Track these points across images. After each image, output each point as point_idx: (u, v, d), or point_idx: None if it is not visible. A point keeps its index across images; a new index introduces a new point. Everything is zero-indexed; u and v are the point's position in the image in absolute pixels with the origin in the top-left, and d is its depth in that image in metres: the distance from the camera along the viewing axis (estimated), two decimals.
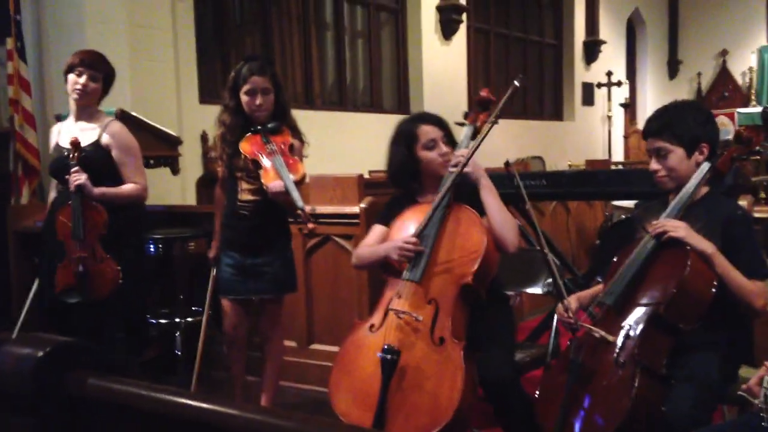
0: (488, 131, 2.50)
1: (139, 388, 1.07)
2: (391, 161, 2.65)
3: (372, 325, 2.38)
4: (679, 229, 2.13)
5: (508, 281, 2.73)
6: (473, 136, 2.55)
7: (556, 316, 2.86)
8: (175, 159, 4.25)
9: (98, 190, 2.93)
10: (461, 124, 2.63)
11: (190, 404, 1.04)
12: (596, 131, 11.52)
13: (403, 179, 2.66)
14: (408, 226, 2.48)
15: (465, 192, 2.50)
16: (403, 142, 2.59)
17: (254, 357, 3.31)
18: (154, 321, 4.00)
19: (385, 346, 2.24)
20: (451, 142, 2.60)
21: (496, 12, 9.73)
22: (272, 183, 2.79)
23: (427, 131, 2.57)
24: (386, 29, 7.99)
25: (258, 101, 2.90)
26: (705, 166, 2.20)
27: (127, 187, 3.03)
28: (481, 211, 2.46)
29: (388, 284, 2.46)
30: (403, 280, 2.38)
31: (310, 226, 2.74)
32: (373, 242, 2.60)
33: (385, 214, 2.65)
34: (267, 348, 3.16)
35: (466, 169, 2.43)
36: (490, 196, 2.45)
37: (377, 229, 2.64)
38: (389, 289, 2.44)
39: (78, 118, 3.09)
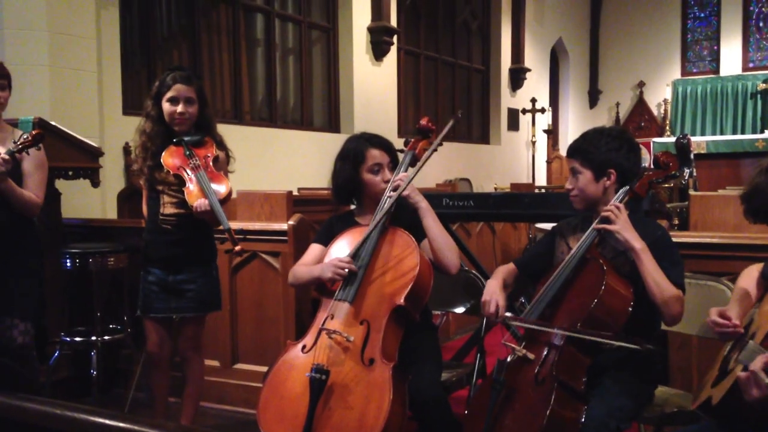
0: (427, 158, 2.57)
1: (54, 407, 1.01)
2: (336, 177, 2.66)
3: (304, 346, 2.37)
4: (618, 221, 2.19)
5: (434, 301, 2.75)
6: (412, 162, 2.59)
7: (482, 335, 2.90)
8: (96, 171, 4.09)
9: (10, 183, 2.84)
10: (401, 151, 2.67)
11: (107, 424, 0.99)
12: (521, 155, 11.85)
13: (344, 196, 2.68)
14: (344, 246, 2.50)
15: (403, 216, 2.53)
16: (350, 160, 2.61)
17: (174, 377, 3.20)
18: (68, 339, 3.82)
19: (315, 366, 2.22)
20: (395, 167, 2.62)
21: (426, 36, 9.90)
22: (197, 202, 2.73)
23: (375, 155, 2.59)
24: (318, 47, 8.01)
25: (179, 109, 2.83)
26: (624, 189, 2.28)
27: (28, 193, 2.93)
28: (417, 235, 2.48)
29: (322, 304, 2.46)
30: (336, 300, 2.38)
31: (237, 248, 2.69)
32: (311, 261, 2.60)
33: (324, 234, 2.66)
34: (187, 368, 3.07)
35: (404, 193, 2.46)
36: (430, 220, 2.49)
37: (315, 249, 2.64)
38: (323, 309, 2.43)
39: None
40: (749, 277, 2.10)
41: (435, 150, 2.60)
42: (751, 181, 1.89)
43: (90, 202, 4.74)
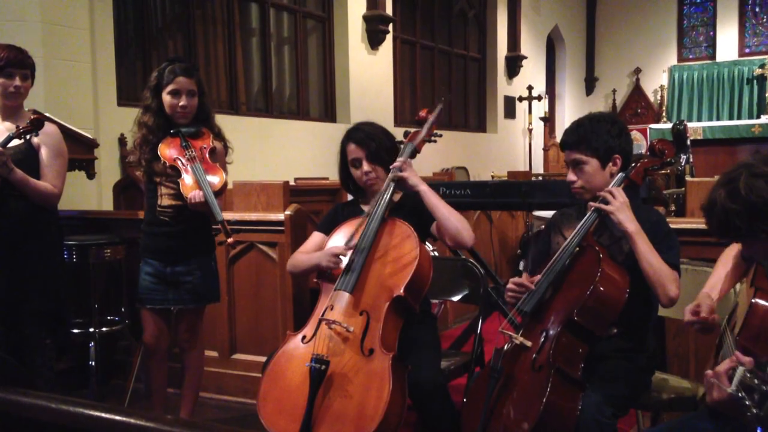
0: (419, 140, 2.58)
1: (49, 401, 1.00)
2: (338, 170, 2.74)
3: (304, 337, 2.37)
4: (615, 202, 2.19)
5: (432, 290, 2.75)
6: (411, 154, 2.58)
7: (480, 324, 2.91)
8: (91, 162, 4.09)
9: (19, 173, 2.83)
10: (401, 143, 2.68)
11: (104, 417, 0.98)
12: (517, 143, 11.83)
13: (347, 187, 2.76)
14: (344, 235, 2.50)
15: (406, 206, 2.53)
16: (340, 155, 2.68)
17: (173, 368, 3.20)
18: None
19: (314, 356, 2.22)
20: (377, 158, 2.60)
21: (422, 24, 9.86)
22: (191, 193, 2.72)
23: (351, 150, 2.63)
24: (313, 37, 7.97)
25: (182, 102, 2.83)
26: (619, 176, 2.28)
27: (43, 184, 2.92)
28: (423, 220, 2.48)
29: (322, 293, 2.46)
30: (336, 290, 2.38)
31: (230, 240, 2.69)
32: (311, 249, 2.63)
33: (327, 222, 2.68)
34: (186, 359, 3.07)
35: (402, 174, 2.46)
36: (433, 199, 2.48)
37: (316, 237, 2.67)
38: (322, 299, 2.44)
39: (5, 117, 2.96)
40: (730, 256, 2.07)
41: (431, 134, 2.62)
42: (709, 195, 1.76)
43: (86, 193, 4.73)
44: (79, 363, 3.88)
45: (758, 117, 11.80)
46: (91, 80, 5.02)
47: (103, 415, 0.97)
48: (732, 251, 2.07)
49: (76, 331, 3.82)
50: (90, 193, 4.83)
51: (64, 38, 4.77)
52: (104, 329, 3.84)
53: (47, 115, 3.74)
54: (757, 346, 1.66)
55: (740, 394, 1.46)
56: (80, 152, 3.97)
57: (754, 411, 1.44)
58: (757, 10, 13.09)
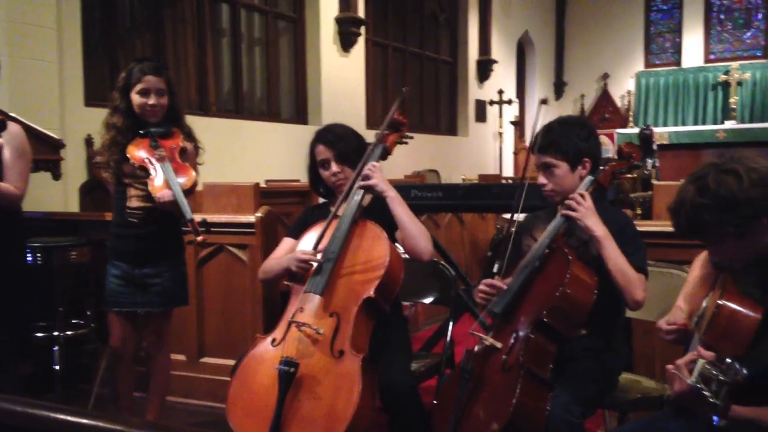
0: (377, 143, 2.56)
1: (15, 404, 0.98)
2: (307, 172, 2.74)
3: (274, 339, 2.36)
4: (580, 209, 2.22)
5: (403, 292, 2.76)
6: (382, 155, 2.58)
7: (450, 326, 2.92)
8: (57, 163, 4.02)
9: None
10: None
11: (71, 421, 0.97)
12: (488, 147, 11.92)
13: (317, 190, 2.76)
14: (314, 238, 2.48)
15: (375, 210, 2.53)
16: (309, 157, 2.67)
17: (140, 372, 3.16)
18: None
19: (284, 358, 2.21)
20: (345, 158, 2.59)
21: (394, 27, 9.89)
22: (160, 192, 2.69)
23: (320, 151, 2.62)
24: (284, 38, 7.94)
25: (151, 101, 2.79)
26: (588, 179, 2.31)
27: (5, 185, 2.86)
28: (390, 228, 2.48)
29: (292, 296, 2.45)
30: (306, 293, 2.37)
31: (200, 238, 2.67)
32: (281, 255, 2.60)
33: (296, 227, 2.67)
34: (152, 363, 3.03)
35: (370, 182, 2.45)
36: (398, 208, 2.48)
37: (286, 243, 2.66)
38: (293, 301, 2.42)
39: None
40: (698, 266, 2.11)
41: (402, 133, 2.63)
42: (678, 193, 1.82)
43: (51, 194, 4.65)
44: (44, 367, 3.81)
45: (722, 122, 12.05)
46: (58, 80, 4.95)
47: (70, 418, 0.96)
48: (699, 261, 2.10)
49: (40, 334, 3.75)
50: (56, 195, 4.75)
51: (30, 37, 4.69)
52: (69, 333, 3.78)
53: (12, 114, 3.68)
54: (721, 345, 1.69)
55: (699, 385, 1.50)
56: (45, 153, 3.90)
57: (711, 401, 1.48)
58: (722, 17, 13.37)
